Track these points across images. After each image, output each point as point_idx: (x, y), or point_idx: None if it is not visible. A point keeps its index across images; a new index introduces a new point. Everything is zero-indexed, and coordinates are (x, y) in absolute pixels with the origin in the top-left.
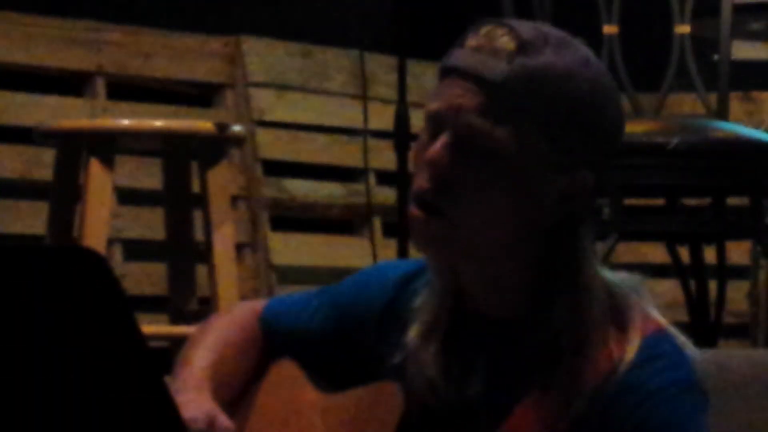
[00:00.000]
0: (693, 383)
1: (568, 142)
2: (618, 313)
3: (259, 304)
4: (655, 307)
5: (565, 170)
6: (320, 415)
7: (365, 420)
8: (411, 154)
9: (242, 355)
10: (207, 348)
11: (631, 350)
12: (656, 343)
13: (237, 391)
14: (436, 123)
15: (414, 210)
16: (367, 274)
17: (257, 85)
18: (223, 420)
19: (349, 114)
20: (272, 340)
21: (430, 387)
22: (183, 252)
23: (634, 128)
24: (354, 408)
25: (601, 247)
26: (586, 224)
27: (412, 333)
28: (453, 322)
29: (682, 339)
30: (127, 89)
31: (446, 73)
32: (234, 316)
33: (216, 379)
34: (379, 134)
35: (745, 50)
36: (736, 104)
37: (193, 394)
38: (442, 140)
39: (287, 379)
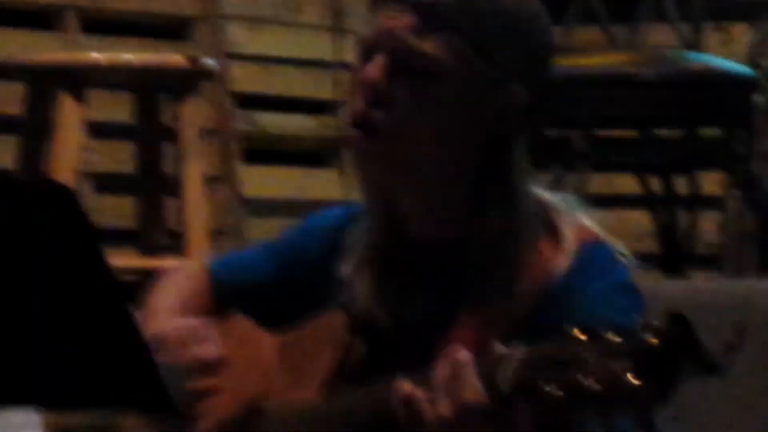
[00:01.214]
0: (628, 284)
1: (500, 57)
2: (553, 227)
3: (206, 263)
4: (593, 222)
5: (498, 86)
6: (270, 354)
7: (313, 351)
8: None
9: (197, 298)
10: (158, 311)
11: (566, 258)
12: (592, 251)
13: None
14: (370, 49)
15: (351, 132)
16: (307, 221)
17: (230, 17)
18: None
19: (321, 47)
20: (222, 297)
21: (366, 315)
22: (153, 185)
23: (608, 59)
24: (299, 341)
25: (573, 178)
26: (520, 142)
27: (347, 265)
28: (388, 250)
29: (618, 247)
30: (99, 23)
31: (378, 3)
32: (185, 271)
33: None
34: (351, 67)
35: None
36: (710, 35)
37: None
38: (377, 61)
39: (238, 331)
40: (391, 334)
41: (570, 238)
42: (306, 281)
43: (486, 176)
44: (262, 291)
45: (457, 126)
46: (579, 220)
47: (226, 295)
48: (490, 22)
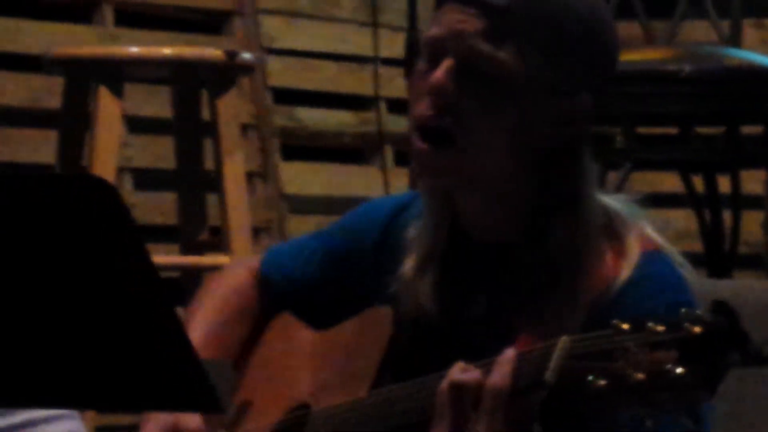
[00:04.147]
0: (685, 303)
1: (569, 65)
2: (615, 235)
3: (254, 261)
4: (656, 230)
5: (565, 94)
6: (314, 351)
7: (355, 347)
8: (409, 83)
9: (239, 320)
10: (203, 320)
11: (627, 268)
12: (652, 262)
13: (237, 354)
14: (436, 50)
15: (418, 142)
16: (356, 212)
17: (267, 12)
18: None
19: (359, 41)
20: (270, 296)
21: (421, 313)
22: (193, 181)
23: (648, 56)
24: (346, 337)
25: (614, 176)
26: (586, 148)
27: (408, 264)
28: (449, 250)
29: (679, 259)
30: (136, 16)
31: (445, 2)
32: (229, 280)
33: (212, 351)
34: (390, 62)
35: None
36: (749, 31)
37: None
38: (445, 65)
39: (283, 329)
40: (445, 334)
41: (633, 248)
42: (355, 276)
43: (552, 182)
44: (311, 286)
45: (524, 133)
46: (642, 229)
47: (274, 293)
48: (562, 30)
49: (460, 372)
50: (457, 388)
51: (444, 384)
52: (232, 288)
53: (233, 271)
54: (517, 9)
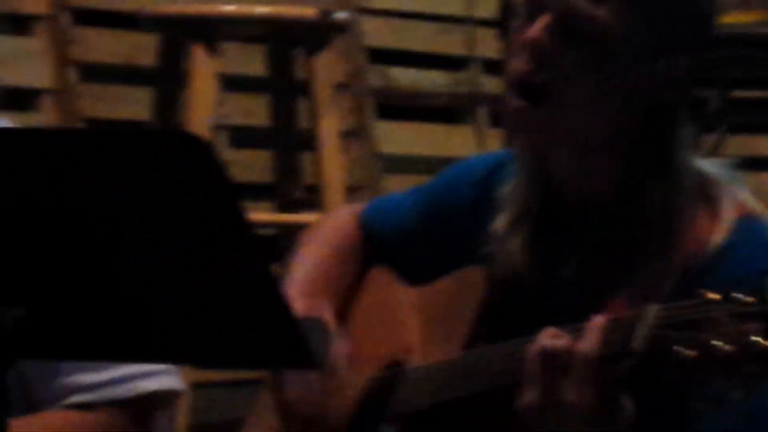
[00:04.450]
0: None
1: (667, 26)
2: (709, 199)
3: (357, 209)
4: (751, 195)
5: (663, 54)
6: (410, 309)
7: (448, 306)
8: (506, 40)
9: (346, 261)
10: (312, 255)
11: (720, 232)
12: (747, 228)
13: (342, 296)
14: (534, 6)
15: (513, 98)
16: (455, 168)
17: None
18: None
19: (454, 2)
20: (371, 244)
21: (516, 274)
22: (288, 140)
23: (743, 19)
24: (439, 296)
25: (709, 139)
26: (682, 110)
27: (500, 222)
28: (541, 209)
29: None
30: None
31: None
32: (336, 222)
33: (322, 288)
34: (485, 22)
35: None
36: None
37: (304, 300)
38: (543, 20)
39: (378, 284)
40: (537, 294)
41: (728, 213)
42: (452, 231)
43: (646, 144)
44: (409, 239)
45: (620, 93)
46: (738, 194)
47: (373, 241)
48: None
49: (550, 338)
50: (547, 354)
51: (534, 349)
52: (339, 229)
53: (339, 214)
54: None
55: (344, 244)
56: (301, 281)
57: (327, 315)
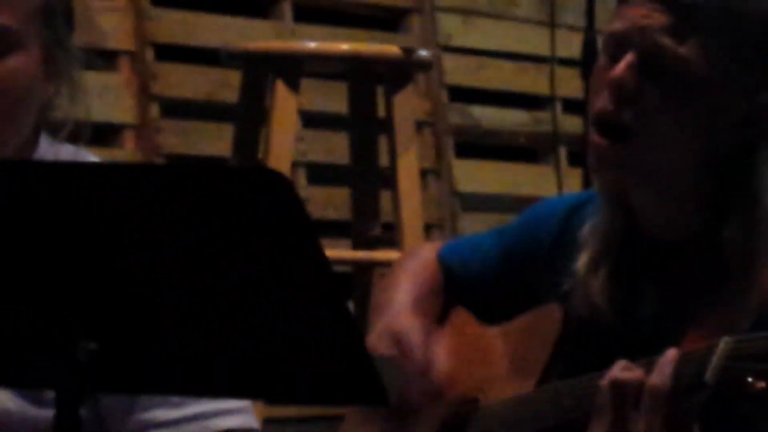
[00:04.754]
0: None
1: (752, 63)
2: None
3: (437, 247)
4: None
5: (749, 92)
6: (485, 346)
7: (525, 343)
8: (590, 78)
9: (433, 295)
10: (404, 289)
11: None
12: None
13: (429, 329)
14: (618, 44)
15: (596, 136)
16: (534, 210)
17: (444, 9)
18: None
19: (536, 41)
20: (450, 285)
21: (595, 312)
22: (367, 177)
23: None
24: (516, 333)
25: None
26: (765, 148)
27: (581, 260)
28: (622, 248)
29: None
30: (314, 12)
31: None
32: (420, 259)
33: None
34: (567, 62)
35: None
36: None
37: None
38: (627, 60)
39: (456, 322)
40: (614, 331)
41: None
42: (532, 271)
43: (729, 183)
44: (486, 279)
45: (704, 131)
46: None
47: (452, 279)
48: (749, 27)
49: (622, 370)
50: (618, 386)
51: (605, 382)
52: (423, 265)
53: (422, 250)
54: (703, 4)
55: (431, 278)
56: (405, 304)
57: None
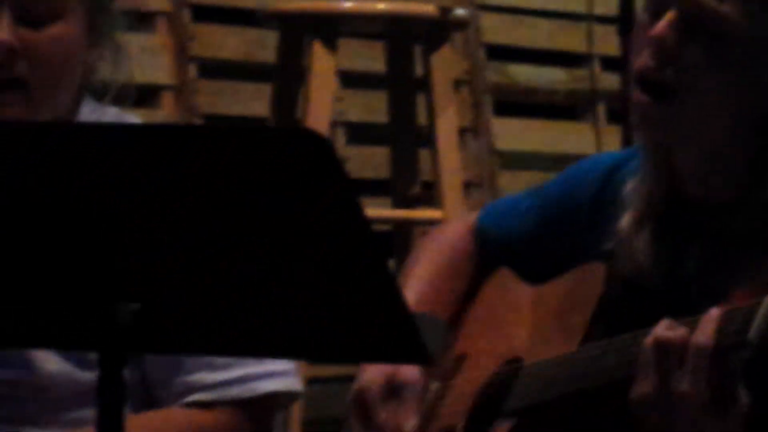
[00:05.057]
0: None
1: None
2: None
3: (471, 216)
4: None
5: None
6: (530, 306)
7: (568, 302)
8: (632, 36)
9: (455, 274)
10: (420, 274)
11: None
12: None
13: (453, 310)
14: (659, 2)
15: (638, 94)
16: (573, 168)
17: None
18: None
19: None
20: (488, 249)
21: (639, 272)
22: (406, 136)
23: None
24: (559, 293)
25: None
26: None
27: (625, 220)
28: (665, 208)
29: None
30: None
31: None
32: (446, 235)
33: (429, 304)
34: (604, 19)
35: None
36: None
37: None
38: (668, 17)
39: (499, 284)
40: (658, 289)
41: None
42: (573, 229)
43: None
44: (528, 240)
45: (746, 89)
46: None
47: (492, 247)
48: None
49: (665, 329)
50: (662, 345)
51: (649, 340)
52: (450, 243)
53: (450, 227)
54: None
55: (458, 254)
56: (416, 295)
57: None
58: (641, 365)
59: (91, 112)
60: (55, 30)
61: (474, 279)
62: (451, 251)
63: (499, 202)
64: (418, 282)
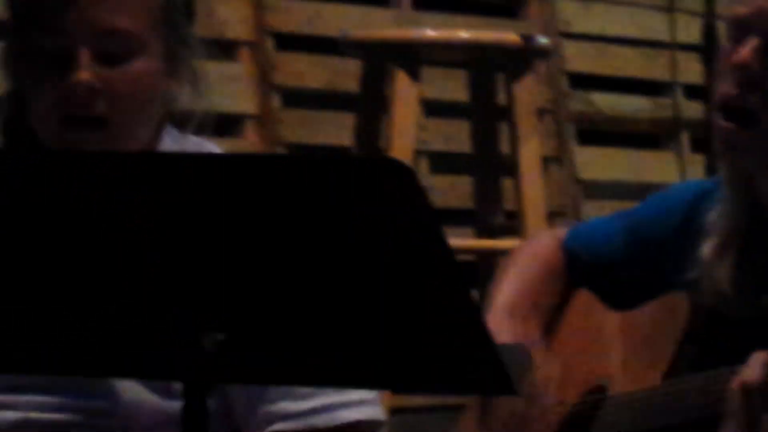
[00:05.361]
0: None
1: None
2: None
3: (559, 233)
4: None
5: None
6: (616, 334)
7: (651, 333)
8: (714, 63)
9: (552, 282)
10: (519, 276)
11: None
12: None
13: (549, 316)
14: (742, 28)
15: (721, 121)
16: (661, 195)
17: None
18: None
19: (656, 26)
20: (573, 267)
21: (723, 300)
22: (489, 165)
23: None
24: (643, 323)
25: None
26: None
27: (707, 248)
28: (747, 236)
29: None
30: None
31: None
32: (539, 245)
33: (530, 306)
34: (687, 47)
35: None
36: None
37: (512, 320)
38: (751, 44)
39: (582, 308)
40: (742, 321)
41: None
42: (657, 258)
43: None
44: (612, 264)
45: None
46: None
47: (577, 265)
48: None
49: (751, 371)
50: (748, 389)
51: (735, 384)
52: (543, 252)
53: (541, 238)
54: None
55: (549, 266)
56: (509, 301)
57: (535, 335)
58: (728, 408)
59: (173, 142)
60: (134, 67)
61: (562, 296)
62: (544, 265)
63: (586, 225)
64: (515, 287)
